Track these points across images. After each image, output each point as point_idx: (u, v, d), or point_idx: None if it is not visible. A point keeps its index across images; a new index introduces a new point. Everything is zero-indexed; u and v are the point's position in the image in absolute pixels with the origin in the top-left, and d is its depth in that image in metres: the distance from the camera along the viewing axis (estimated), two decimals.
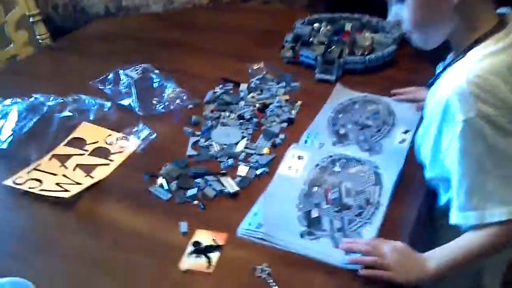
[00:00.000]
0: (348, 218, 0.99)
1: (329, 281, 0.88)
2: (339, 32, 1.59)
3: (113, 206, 1.06)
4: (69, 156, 1.18)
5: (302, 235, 0.95)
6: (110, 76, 1.36)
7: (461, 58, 0.90)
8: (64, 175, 1.12)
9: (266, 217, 0.98)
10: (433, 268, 0.87)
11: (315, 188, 1.06)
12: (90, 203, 1.06)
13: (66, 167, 1.15)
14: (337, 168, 1.10)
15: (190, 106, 1.34)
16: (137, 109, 1.29)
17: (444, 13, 0.90)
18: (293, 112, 1.30)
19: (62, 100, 1.31)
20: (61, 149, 1.20)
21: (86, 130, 1.26)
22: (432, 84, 1.01)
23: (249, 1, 2.65)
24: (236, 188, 1.06)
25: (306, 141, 1.20)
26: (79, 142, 1.22)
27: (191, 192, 1.06)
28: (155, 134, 1.22)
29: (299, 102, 1.34)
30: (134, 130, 1.23)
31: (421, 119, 1.08)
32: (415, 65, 1.51)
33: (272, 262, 0.90)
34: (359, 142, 1.19)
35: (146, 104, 1.31)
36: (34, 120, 1.25)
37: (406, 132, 1.22)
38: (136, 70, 1.33)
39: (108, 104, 1.32)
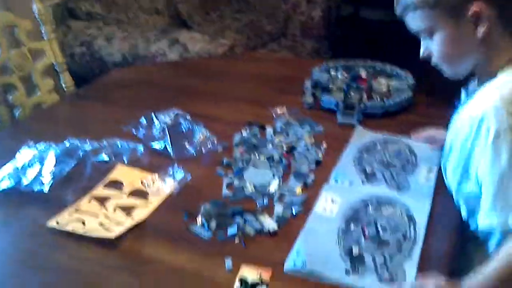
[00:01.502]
0: (389, 254, 1.02)
1: None
2: (355, 78, 1.67)
3: (155, 246, 1.09)
4: (107, 198, 1.22)
5: (347, 272, 0.98)
6: (143, 120, 1.41)
7: (490, 82, 1.01)
8: (106, 216, 1.15)
9: (310, 255, 1.02)
10: None
11: (352, 226, 1.10)
12: (132, 243, 1.09)
13: (106, 209, 1.18)
14: (370, 210, 1.14)
15: (220, 149, 1.39)
16: (171, 152, 1.34)
17: (470, 47, 1.02)
18: (320, 154, 1.36)
19: (97, 145, 1.35)
20: (100, 191, 1.24)
21: (122, 172, 1.30)
22: (457, 108, 1.09)
23: (257, 50, 2.77)
24: (275, 227, 1.10)
25: (336, 181, 1.25)
26: (116, 184, 1.26)
27: (231, 230, 1.09)
28: (190, 176, 1.26)
29: (324, 145, 1.40)
30: (170, 172, 1.27)
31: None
32: (430, 110, 1.58)
33: None
34: (387, 180, 1.24)
35: (179, 148, 1.36)
36: (72, 163, 1.29)
37: (429, 170, 1.27)
38: (169, 115, 1.38)
39: (141, 147, 1.37)
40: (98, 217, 1.15)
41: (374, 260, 1.01)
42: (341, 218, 1.12)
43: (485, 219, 0.96)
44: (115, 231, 1.09)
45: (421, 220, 1.10)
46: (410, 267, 0.99)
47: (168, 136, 1.34)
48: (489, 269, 0.93)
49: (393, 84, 1.65)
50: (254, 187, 1.23)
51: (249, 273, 0.99)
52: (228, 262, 1.01)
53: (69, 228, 1.11)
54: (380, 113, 1.53)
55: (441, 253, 1.04)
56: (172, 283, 0.99)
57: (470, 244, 1.11)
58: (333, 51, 3.08)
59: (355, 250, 1.03)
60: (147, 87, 1.79)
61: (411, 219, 1.11)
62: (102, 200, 1.21)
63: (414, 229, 1.08)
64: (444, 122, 1.44)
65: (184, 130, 1.41)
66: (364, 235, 1.07)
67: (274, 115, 1.55)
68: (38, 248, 1.09)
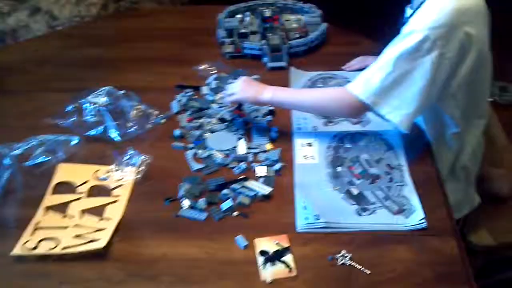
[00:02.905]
0: (385, 186, 1.05)
1: (405, 247, 0.93)
2: (265, 19, 1.62)
3: (152, 243, 0.97)
4: (65, 204, 1.05)
5: (359, 213, 0.99)
6: (70, 108, 1.22)
7: None
8: (77, 225, 1.00)
9: (318, 207, 1.00)
10: (267, 99, 1.16)
11: (339, 168, 1.09)
12: (124, 247, 0.96)
13: (71, 216, 1.02)
14: (347, 145, 1.15)
15: (163, 120, 1.27)
16: (116, 136, 1.19)
17: None
18: None
19: (23, 146, 1.15)
20: (51, 199, 1.06)
21: (67, 172, 1.12)
22: (404, 23, 1.10)
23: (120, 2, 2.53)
24: (269, 189, 1.05)
25: (300, 128, 1.22)
26: (66, 187, 1.09)
27: (226, 205, 1.02)
28: (150, 158, 1.14)
29: None
30: (126, 158, 1.13)
31: None
32: (348, 38, 1.61)
33: (344, 247, 0.93)
34: (347, 118, 1.24)
35: (121, 129, 1.21)
36: (6, 174, 1.08)
37: None
38: (100, 95, 1.21)
39: (75, 138, 1.19)
40: (67, 228, 0.99)
41: (375, 195, 1.03)
42: (325, 163, 1.11)
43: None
44: (101, 239, 0.95)
45: (398, 146, 1.14)
46: (410, 192, 1.03)
47: (110, 118, 1.18)
48: (288, 94, 1.18)
49: (305, 19, 1.63)
50: (223, 153, 1.16)
51: (266, 244, 0.95)
52: (241, 239, 0.95)
53: (41, 250, 0.95)
54: (303, 49, 1.52)
55: (430, 174, 1.09)
56: (194, 276, 0.90)
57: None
58: None
59: (354, 191, 1.04)
60: (43, 67, 1.53)
61: (389, 147, 1.14)
62: (60, 208, 1.04)
63: (396, 157, 1.12)
64: (365, 50, 1.49)
65: (118, 108, 1.25)
66: (355, 175, 1.08)
67: (200, 73, 1.45)
68: (16, 282, 0.91)
